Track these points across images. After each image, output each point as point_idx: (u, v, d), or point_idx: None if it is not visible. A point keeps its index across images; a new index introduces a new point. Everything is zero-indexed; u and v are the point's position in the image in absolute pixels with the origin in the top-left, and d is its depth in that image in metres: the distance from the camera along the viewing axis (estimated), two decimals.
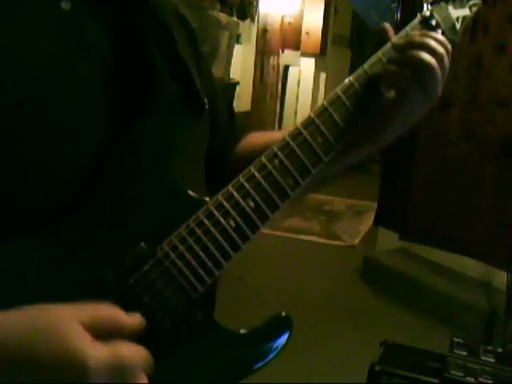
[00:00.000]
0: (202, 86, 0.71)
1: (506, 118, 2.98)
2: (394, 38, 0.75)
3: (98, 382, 0.51)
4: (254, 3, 5.34)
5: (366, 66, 0.73)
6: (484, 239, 3.08)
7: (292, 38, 6.09)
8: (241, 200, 0.65)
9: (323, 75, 6.64)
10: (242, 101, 5.13)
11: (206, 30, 3.92)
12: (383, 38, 0.75)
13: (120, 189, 0.62)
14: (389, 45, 0.75)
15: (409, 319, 3.19)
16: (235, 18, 4.92)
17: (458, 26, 0.79)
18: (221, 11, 4.55)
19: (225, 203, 0.64)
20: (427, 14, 0.77)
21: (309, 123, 0.69)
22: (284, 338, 0.73)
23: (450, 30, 0.78)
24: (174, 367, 0.64)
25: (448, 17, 0.78)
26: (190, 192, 0.65)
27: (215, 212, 0.64)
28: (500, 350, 1.79)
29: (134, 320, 0.57)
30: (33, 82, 0.59)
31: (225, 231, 0.64)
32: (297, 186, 0.68)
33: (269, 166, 0.66)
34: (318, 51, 6.44)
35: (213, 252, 0.64)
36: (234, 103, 4.47)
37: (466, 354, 1.72)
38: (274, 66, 5.79)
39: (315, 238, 4.56)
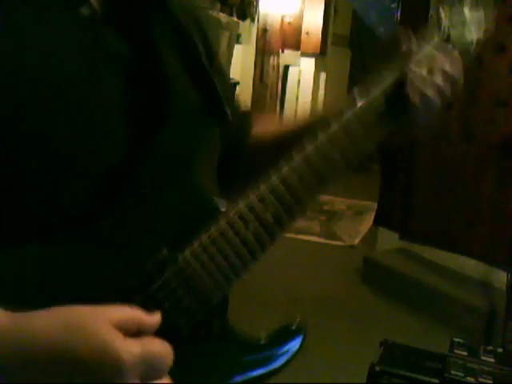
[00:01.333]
0: (222, 91, 0.72)
1: (506, 118, 2.98)
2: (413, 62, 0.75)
3: (134, 375, 0.52)
4: (254, 3, 5.34)
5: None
6: (484, 239, 3.08)
7: (292, 38, 6.09)
8: (262, 211, 0.65)
9: (323, 75, 6.64)
10: (242, 101, 5.13)
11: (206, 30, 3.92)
12: (394, 45, 0.75)
13: (143, 195, 0.63)
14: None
15: (409, 319, 3.19)
16: (235, 18, 4.92)
17: (471, 48, 0.81)
18: (221, 11, 4.54)
19: (246, 213, 0.65)
20: (445, 37, 0.78)
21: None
22: (295, 345, 0.73)
23: (463, 53, 0.80)
24: (189, 370, 0.64)
25: (463, 39, 0.80)
26: (212, 199, 0.67)
27: (236, 223, 0.64)
28: (500, 349, 1.80)
29: (157, 319, 0.58)
30: (51, 87, 0.60)
31: (245, 241, 0.65)
32: (314, 198, 0.69)
33: (289, 178, 0.67)
34: (318, 51, 6.44)
35: (233, 261, 0.64)
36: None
37: (466, 353, 1.72)
38: (274, 66, 5.79)
39: (315, 238, 4.56)
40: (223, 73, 0.87)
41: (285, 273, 3.82)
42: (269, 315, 3.15)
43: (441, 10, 0.78)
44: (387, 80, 0.74)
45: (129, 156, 0.63)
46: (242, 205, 0.65)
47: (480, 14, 0.83)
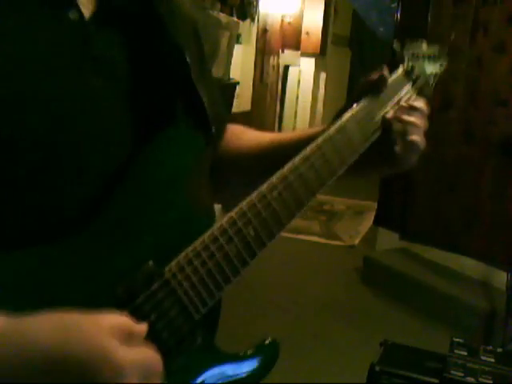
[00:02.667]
0: (209, 107, 0.72)
1: (506, 118, 2.99)
2: (389, 110, 0.81)
3: (131, 380, 0.53)
4: (254, 3, 5.34)
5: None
6: (484, 239, 3.08)
7: (292, 38, 6.09)
8: (243, 227, 0.67)
9: (323, 75, 6.64)
10: (242, 101, 5.12)
11: (206, 30, 3.93)
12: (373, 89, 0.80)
13: (133, 206, 0.64)
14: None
15: (409, 319, 3.19)
16: (235, 18, 4.92)
17: (431, 81, 0.87)
18: (221, 11, 4.54)
19: (228, 229, 0.66)
20: (409, 67, 0.84)
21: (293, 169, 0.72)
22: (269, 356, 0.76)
23: (425, 84, 0.86)
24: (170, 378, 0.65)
25: (424, 72, 0.86)
26: (199, 214, 0.68)
27: (219, 237, 0.66)
28: (500, 349, 1.80)
29: (144, 328, 0.58)
30: (38, 92, 0.59)
31: (227, 256, 0.66)
32: (291, 217, 0.71)
33: (268, 196, 0.69)
34: (318, 51, 6.44)
35: (215, 276, 0.66)
36: (234, 103, 4.47)
37: (466, 353, 1.72)
38: (274, 66, 5.78)
39: (315, 238, 4.56)
40: (212, 84, 0.87)
41: (285, 273, 3.82)
42: (269, 315, 3.15)
43: (405, 42, 0.85)
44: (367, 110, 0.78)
45: (119, 164, 0.64)
46: (224, 221, 0.67)
47: (436, 50, 0.89)
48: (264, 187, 0.69)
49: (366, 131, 0.78)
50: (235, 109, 4.57)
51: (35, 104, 0.59)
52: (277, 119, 6.10)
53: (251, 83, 5.45)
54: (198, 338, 0.67)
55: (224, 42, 4.27)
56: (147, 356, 0.56)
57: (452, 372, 1.64)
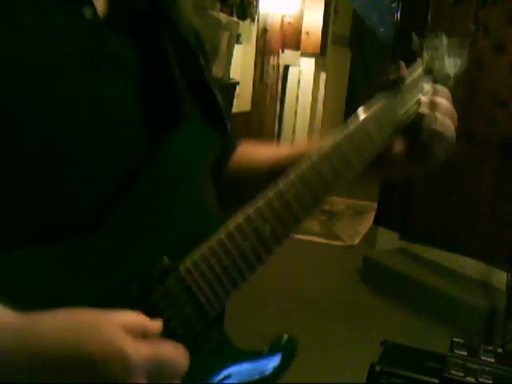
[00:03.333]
0: (222, 105, 0.72)
1: (506, 118, 2.99)
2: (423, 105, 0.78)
3: (141, 375, 0.53)
4: (254, 3, 5.34)
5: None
6: (484, 239, 3.08)
7: (292, 38, 6.09)
8: (259, 225, 0.67)
9: (323, 75, 6.63)
10: (242, 101, 5.12)
11: (206, 30, 3.92)
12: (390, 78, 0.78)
13: (147, 203, 0.64)
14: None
15: (409, 319, 3.19)
16: (235, 18, 4.91)
17: (452, 74, 0.85)
18: (221, 11, 4.54)
19: (245, 226, 0.66)
20: (430, 64, 0.81)
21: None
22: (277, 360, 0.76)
23: (446, 80, 0.84)
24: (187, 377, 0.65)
25: (444, 67, 0.84)
26: (212, 212, 0.69)
27: (235, 235, 0.66)
28: (500, 350, 1.80)
29: (159, 325, 0.58)
30: (52, 90, 0.59)
31: (243, 253, 0.66)
32: (308, 214, 0.71)
33: (286, 194, 0.69)
34: (318, 51, 6.43)
35: (231, 273, 0.66)
36: (234, 103, 4.47)
37: (466, 353, 1.72)
38: (274, 66, 5.78)
39: (315, 238, 4.56)
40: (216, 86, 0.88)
41: (285, 273, 3.82)
42: (269, 315, 3.15)
43: (424, 41, 0.82)
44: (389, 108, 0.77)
45: (132, 162, 0.64)
46: (241, 217, 0.66)
47: (457, 44, 0.87)
48: (281, 184, 0.69)
49: (386, 130, 0.77)
50: (235, 109, 4.57)
51: (48, 101, 0.59)
52: (277, 119, 6.10)
53: (251, 83, 5.45)
54: (214, 336, 0.67)
55: (224, 42, 4.27)
56: (164, 352, 0.55)
57: (452, 372, 1.64)
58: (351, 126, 0.74)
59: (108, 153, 0.63)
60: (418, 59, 0.81)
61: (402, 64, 0.78)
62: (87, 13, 0.64)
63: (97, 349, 0.52)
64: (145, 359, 0.53)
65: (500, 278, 3.06)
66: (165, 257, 0.63)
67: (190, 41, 0.73)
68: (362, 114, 0.75)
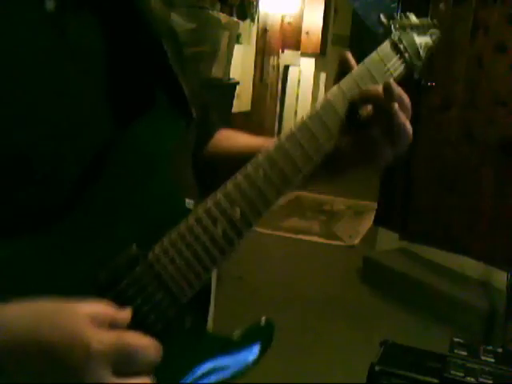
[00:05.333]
0: (189, 93, 0.72)
1: (506, 118, 2.99)
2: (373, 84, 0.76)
3: (103, 364, 0.53)
4: (254, 3, 5.34)
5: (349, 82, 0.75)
6: (484, 239, 3.08)
7: (292, 38, 6.09)
8: (228, 207, 0.67)
9: (323, 75, 6.64)
10: (242, 101, 5.12)
11: (206, 30, 3.92)
12: (345, 66, 0.77)
13: (114, 191, 0.64)
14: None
15: (409, 319, 3.19)
16: (235, 18, 4.91)
17: (421, 52, 0.83)
18: (221, 11, 4.54)
19: (213, 209, 0.66)
20: (396, 38, 0.80)
21: (290, 135, 0.71)
22: (265, 340, 0.75)
23: (414, 55, 0.82)
24: (161, 366, 0.64)
25: (413, 43, 0.82)
26: (181, 197, 0.68)
27: (204, 218, 0.66)
28: (500, 349, 1.80)
29: (128, 314, 0.59)
30: (15, 83, 0.59)
31: (213, 237, 0.66)
32: (278, 195, 0.70)
33: (253, 175, 0.68)
34: (318, 51, 6.44)
35: (201, 257, 0.66)
36: (234, 103, 4.47)
37: (465, 354, 1.72)
38: (273, 66, 5.79)
39: (315, 238, 4.56)
40: (193, 76, 0.87)
41: (285, 273, 3.82)
42: (268, 315, 3.15)
43: (392, 21, 0.81)
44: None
45: (99, 152, 0.64)
46: (209, 202, 0.66)
47: (426, 21, 0.86)
48: (249, 167, 0.69)
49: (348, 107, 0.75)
50: (235, 109, 4.57)
51: (10, 95, 0.59)
52: (277, 119, 6.10)
53: (251, 83, 5.46)
54: (187, 322, 0.67)
55: (224, 41, 4.27)
56: (129, 342, 0.55)
57: (452, 372, 1.64)
58: (318, 106, 0.73)
59: (72, 145, 0.63)
60: (387, 40, 0.80)
61: (348, 52, 0.78)
62: (49, 4, 0.63)
63: (58, 336, 0.52)
64: (108, 347, 0.53)
65: (500, 278, 3.06)
66: (133, 244, 0.62)
67: (156, 31, 0.73)
68: (328, 94, 0.74)
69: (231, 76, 4.55)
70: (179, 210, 0.67)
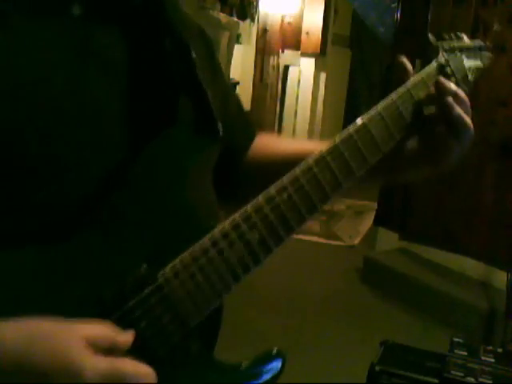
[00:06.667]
0: (216, 103, 0.69)
1: (506, 118, 2.98)
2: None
3: None
4: (254, 3, 5.34)
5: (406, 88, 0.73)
6: (484, 239, 3.08)
7: (292, 38, 6.09)
8: (246, 231, 0.63)
9: (323, 75, 6.63)
10: (242, 101, 5.13)
11: (206, 30, 3.93)
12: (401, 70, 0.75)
13: (128, 208, 0.61)
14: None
15: (409, 319, 3.19)
16: (235, 18, 4.92)
17: (470, 76, 0.80)
18: (221, 11, 4.54)
19: (231, 232, 0.62)
20: (443, 61, 0.77)
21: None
22: (276, 367, 0.70)
23: (462, 80, 0.79)
24: None
25: (462, 66, 0.79)
26: (199, 217, 0.65)
27: (220, 241, 0.62)
28: (500, 350, 1.80)
29: (129, 338, 0.56)
30: (39, 90, 0.58)
31: (228, 261, 0.62)
32: (302, 221, 0.67)
33: (277, 198, 0.64)
34: (318, 51, 6.43)
35: (213, 282, 0.62)
36: None
37: (466, 354, 1.72)
38: (273, 66, 5.78)
39: (315, 238, 4.56)
40: (223, 87, 0.84)
41: (285, 273, 3.82)
42: (268, 315, 3.15)
43: (441, 42, 0.78)
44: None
45: (118, 164, 0.62)
46: (227, 223, 0.63)
47: (477, 43, 0.83)
48: (272, 189, 0.64)
49: (393, 128, 0.72)
50: None
51: (34, 100, 0.58)
52: (277, 119, 6.10)
53: (251, 83, 5.45)
54: (193, 348, 0.64)
55: (224, 42, 4.27)
56: (123, 369, 0.53)
57: (452, 372, 1.64)
58: (351, 127, 0.69)
59: (90, 153, 0.61)
60: (434, 60, 0.77)
61: (403, 57, 0.75)
62: (75, 9, 0.62)
63: (50, 360, 0.51)
64: (101, 376, 0.51)
65: (500, 277, 3.06)
66: (144, 264, 0.60)
67: (185, 38, 0.70)
68: (365, 115, 0.70)
69: (231, 76, 4.55)
70: (197, 229, 0.63)
